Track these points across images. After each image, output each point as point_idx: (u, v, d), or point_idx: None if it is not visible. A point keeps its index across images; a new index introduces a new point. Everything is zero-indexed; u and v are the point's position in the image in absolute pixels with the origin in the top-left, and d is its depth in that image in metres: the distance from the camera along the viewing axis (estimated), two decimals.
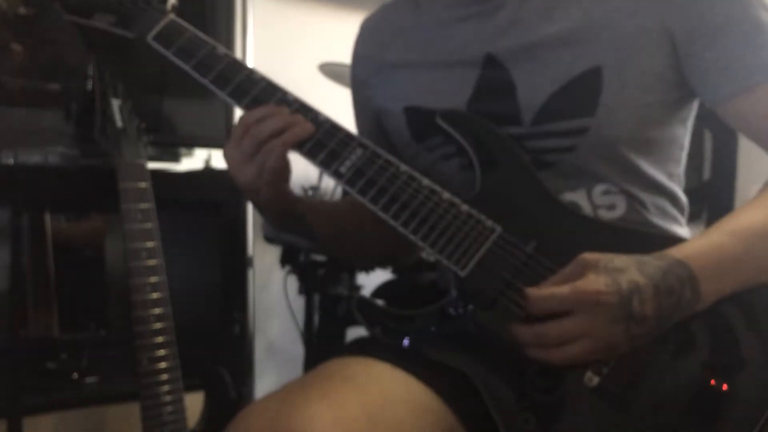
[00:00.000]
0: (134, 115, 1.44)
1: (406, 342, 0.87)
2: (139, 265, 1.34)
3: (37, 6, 1.53)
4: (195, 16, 1.03)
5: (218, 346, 1.86)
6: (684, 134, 0.99)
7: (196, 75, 0.96)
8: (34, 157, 1.57)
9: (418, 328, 0.88)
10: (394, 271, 1.83)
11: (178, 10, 1.03)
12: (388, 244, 1.05)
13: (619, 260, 0.77)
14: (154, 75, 1.67)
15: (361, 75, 1.12)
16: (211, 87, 0.95)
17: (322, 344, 1.94)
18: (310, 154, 0.90)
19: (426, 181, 0.88)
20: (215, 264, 1.92)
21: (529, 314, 0.79)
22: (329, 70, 1.92)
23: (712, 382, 0.78)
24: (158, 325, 1.34)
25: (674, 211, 0.99)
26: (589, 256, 0.78)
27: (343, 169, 0.89)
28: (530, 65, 0.93)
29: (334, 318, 1.88)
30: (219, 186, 1.81)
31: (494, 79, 0.95)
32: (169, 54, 0.97)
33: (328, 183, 2.04)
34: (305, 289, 1.98)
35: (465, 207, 0.87)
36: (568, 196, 0.93)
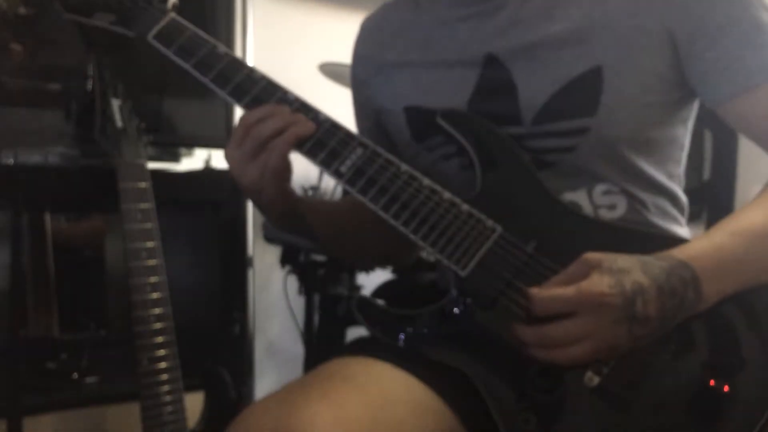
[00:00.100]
0: (134, 115, 1.44)
1: (401, 338, 0.87)
2: (139, 265, 1.34)
3: (37, 6, 1.53)
4: (195, 16, 1.03)
5: (218, 346, 1.86)
6: (684, 134, 0.99)
7: (196, 74, 0.96)
8: (34, 157, 1.58)
9: (418, 328, 0.88)
10: (394, 271, 1.83)
11: (178, 9, 1.03)
12: (388, 244, 1.05)
13: (623, 261, 0.77)
14: (154, 75, 1.67)
15: (361, 75, 1.12)
16: (212, 86, 0.95)
17: (322, 344, 1.94)
18: (311, 154, 0.90)
19: (426, 181, 0.88)
20: (215, 264, 1.92)
21: (531, 314, 0.79)
22: (329, 70, 1.92)
23: (713, 382, 0.78)
24: (158, 325, 1.34)
25: (674, 211, 0.99)
26: (592, 256, 0.78)
27: (343, 169, 0.89)
28: (531, 65, 0.93)
29: (334, 318, 1.88)
30: (219, 186, 1.81)
31: (495, 79, 0.95)
32: (169, 53, 0.97)
33: (328, 183, 2.04)
34: (305, 289, 1.98)
35: (465, 207, 0.87)
36: (569, 196, 0.93)
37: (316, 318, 1.97)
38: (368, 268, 1.85)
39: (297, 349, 2.07)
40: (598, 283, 0.75)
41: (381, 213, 0.88)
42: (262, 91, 0.93)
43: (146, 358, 1.33)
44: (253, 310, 2.05)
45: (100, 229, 1.79)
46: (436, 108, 0.95)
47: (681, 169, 1.00)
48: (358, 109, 1.15)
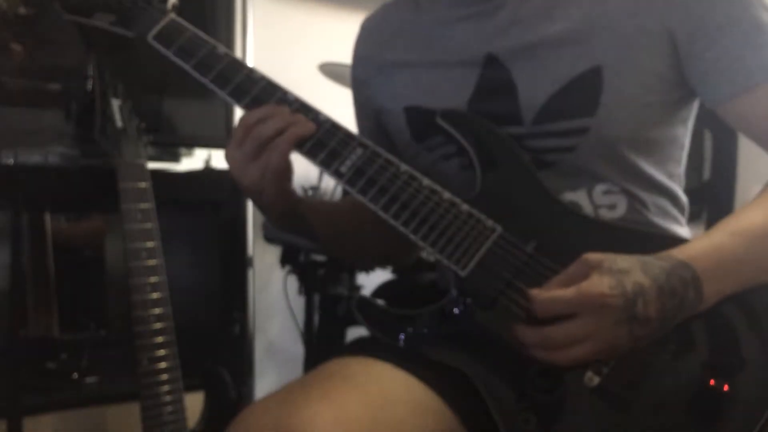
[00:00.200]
0: (134, 115, 1.44)
1: (401, 338, 0.87)
2: (139, 265, 1.34)
3: (37, 6, 1.53)
4: (195, 16, 1.03)
5: (218, 346, 1.86)
6: (684, 134, 0.99)
7: (196, 74, 0.96)
8: (34, 157, 1.58)
9: (418, 328, 0.88)
10: (394, 271, 1.83)
11: (178, 10, 1.03)
12: (388, 244, 1.05)
13: (623, 261, 0.77)
14: (154, 75, 1.67)
15: (361, 75, 1.12)
16: (212, 86, 0.95)
17: (322, 344, 1.94)
18: (311, 154, 0.90)
19: (426, 181, 0.88)
20: (215, 264, 1.92)
21: (531, 315, 0.79)
22: (329, 70, 1.92)
23: (712, 382, 0.78)
24: (158, 325, 1.34)
25: (675, 211, 0.99)
26: (592, 256, 0.78)
27: (343, 169, 0.89)
28: (531, 65, 0.93)
29: (334, 318, 1.88)
30: (219, 186, 1.81)
31: (495, 79, 0.95)
32: (169, 53, 0.97)
33: (328, 183, 2.04)
34: (305, 289, 1.98)
35: (465, 207, 0.87)
36: (569, 196, 0.93)
37: (316, 318, 1.97)
38: (368, 268, 1.85)
39: (297, 349, 2.07)
40: (599, 284, 0.75)
41: (381, 213, 0.88)
42: (261, 92, 0.93)
43: (146, 358, 1.33)
44: (253, 310, 2.05)
45: (100, 229, 1.79)
46: (436, 108, 0.95)
47: (681, 168, 1.00)
48: (358, 109, 1.15)
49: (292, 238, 1.78)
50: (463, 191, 0.89)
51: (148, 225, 1.36)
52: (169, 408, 1.34)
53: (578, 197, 0.93)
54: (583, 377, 0.79)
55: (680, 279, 0.77)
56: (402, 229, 0.87)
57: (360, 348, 0.88)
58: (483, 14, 0.98)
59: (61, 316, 1.70)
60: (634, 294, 0.75)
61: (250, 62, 2.01)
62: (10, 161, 1.54)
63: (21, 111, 1.58)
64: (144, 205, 1.36)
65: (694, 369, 0.79)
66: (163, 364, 1.34)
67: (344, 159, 0.90)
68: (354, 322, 1.12)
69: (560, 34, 0.93)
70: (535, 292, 0.79)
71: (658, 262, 0.78)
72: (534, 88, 0.93)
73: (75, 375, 1.62)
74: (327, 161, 0.90)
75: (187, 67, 0.96)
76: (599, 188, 0.93)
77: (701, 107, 0.99)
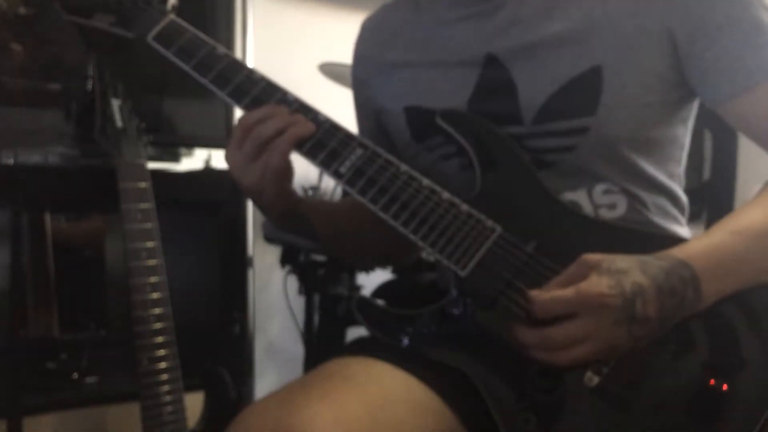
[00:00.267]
0: (134, 115, 1.44)
1: (405, 342, 0.87)
2: (139, 265, 1.34)
3: (37, 6, 1.53)
4: (195, 16, 1.03)
5: (218, 346, 1.86)
6: (684, 134, 0.99)
7: (196, 75, 0.96)
8: (34, 157, 1.58)
9: (418, 328, 0.88)
10: (394, 271, 1.83)
11: (177, 10, 1.03)
12: (388, 244, 1.05)
13: (622, 261, 0.77)
14: (154, 75, 1.67)
15: (361, 75, 1.12)
16: (211, 87, 0.95)
17: (322, 344, 1.94)
18: (311, 154, 0.90)
19: (426, 181, 0.88)
20: (215, 264, 1.92)
21: (531, 316, 0.79)
22: (329, 70, 1.92)
23: (712, 382, 0.78)
24: (158, 325, 1.34)
25: (675, 211, 0.99)
26: (591, 257, 0.78)
27: (343, 169, 0.89)
28: (531, 65, 0.93)
29: (334, 318, 1.88)
30: (219, 186, 1.81)
31: (494, 79, 0.95)
32: (169, 54, 0.97)
33: (328, 183, 2.04)
34: (305, 289, 1.98)
35: (465, 207, 0.87)
36: (569, 196, 0.93)
37: (316, 318, 1.97)
38: (368, 268, 1.85)
39: (297, 349, 2.07)
40: (597, 284, 0.75)
41: (380, 213, 0.88)
42: (261, 92, 0.93)
43: (146, 358, 1.33)
44: (253, 310, 2.05)
45: (100, 229, 1.80)
46: (436, 108, 0.95)
47: (681, 168, 1.01)
48: (358, 109, 1.15)
49: (292, 238, 1.78)
50: (463, 191, 0.89)
51: (148, 225, 1.36)
52: (169, 408, 1.34)
53: (578, 197, 0.93)
54: (583, 377, 0.79)
55: (679, 278, 0.77)
56: (402, 229, 0.87)
57: (360, 348, 0.88)
58: (483, 14, 0.98)
59: (61, 316, 1.70)
60: (632, 294, 0.75)
61: (250, 62, 2.01)
62: (10, 161, 1.54)
63: (21, 111, 1.58)
64: (144, 205, 1.36)
65: (693, 369, 0.79)
66: (163, 364, 1.34)
67: (344, 159, 0.90)
68: (354, 322, 1.12)
69: (560, 33, 0.93)
70: (535, 293, 0.79)
71: (657, 261, 0.78)
72: (534, 87, 0.93)
73: (75, 375, 1.62)
74: (327, 161, 0.90)
75: (186, 67, 0.96)
76: (599, 188, 0.93)
77: (701, 107, 0.99)
